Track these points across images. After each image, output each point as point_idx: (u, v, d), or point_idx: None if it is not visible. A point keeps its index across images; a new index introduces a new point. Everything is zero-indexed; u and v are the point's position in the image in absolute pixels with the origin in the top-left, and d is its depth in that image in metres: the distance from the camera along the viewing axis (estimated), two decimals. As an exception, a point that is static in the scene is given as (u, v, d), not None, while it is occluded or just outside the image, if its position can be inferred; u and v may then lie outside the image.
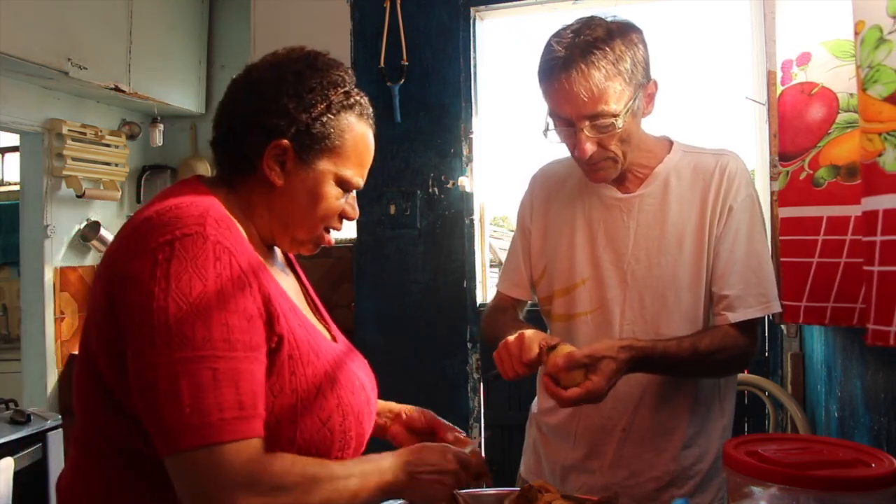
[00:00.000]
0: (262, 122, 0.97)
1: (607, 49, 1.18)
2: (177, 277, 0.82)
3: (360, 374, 1.07)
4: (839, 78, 1.09)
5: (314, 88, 0.98)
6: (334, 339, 1.10)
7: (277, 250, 1.12)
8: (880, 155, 0.81)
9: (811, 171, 1.13)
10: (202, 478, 0.80)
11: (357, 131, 1.01)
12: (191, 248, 0.84)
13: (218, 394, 0.80)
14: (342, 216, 1.04)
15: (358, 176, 1.03)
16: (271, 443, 0.88)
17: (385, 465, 0.96)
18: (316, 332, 1.02)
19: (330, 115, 0.98)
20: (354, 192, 1.06)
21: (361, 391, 1.04)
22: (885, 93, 0.81)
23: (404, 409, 1.22)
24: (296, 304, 1.01)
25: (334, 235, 1.09)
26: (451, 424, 1.20)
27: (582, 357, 1.12)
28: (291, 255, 1.19)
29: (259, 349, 0.87)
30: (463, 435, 1.17)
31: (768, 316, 1.26)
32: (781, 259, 1.17)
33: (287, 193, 0.99)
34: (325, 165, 0.99)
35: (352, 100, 1.01)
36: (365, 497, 0.92)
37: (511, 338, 1.19)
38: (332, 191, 1.00)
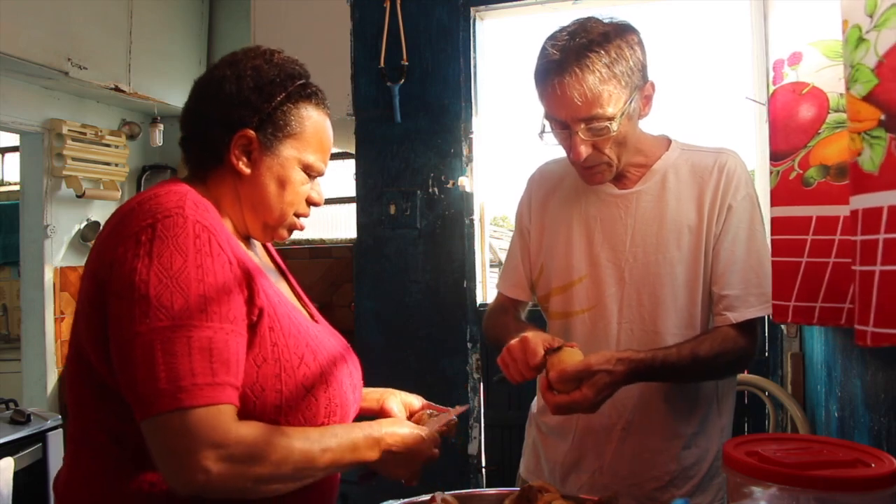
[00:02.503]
0: (226, 115, 1.02)
1: (602, 52, 1.17)
2: (158, 254, 0.87)
3: (341, 348, 1.11)
4: (829, 78, 1.09)
5: (273, 80, 1.03)
6: (315, 320, 1.13)
7: (259, 248, 1.16)
8: (860, 154, 0.81)
9: (801, 171, 1.13)
10: (173, 440, 0.83)
11: (316, 119, 1.07)
12: (171, 228, 0.89)
13: (192, 361, 0.84)
14: (308, 202, 1.09)
15: (321, 161, 1.08)
16: (258, 411, 0.92)
17: (359, 439, 0.99)
18: (296, 310, 1.06)
19: (290, 105, 1.04)
20: (319, 179, 1.10)
21: (344, 363, 1.08)
22: (863, 92, 0.81)
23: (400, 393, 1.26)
24: (274, 283, 1.04)
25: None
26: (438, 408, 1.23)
27: (573, 373, 1.11)
28: (277, 256, 1.22)
29: (237, 322, 0.90)
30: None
31: (768, 316, 1.26)
32: (772, 258, 1.17)
33: (255, 181, 1.03)
34: (288, 152, 1.04)
35: (309, 90, 1.07)
36: (335, 470, 0.96)
37: (514, 342, 1.18)
38: (297, 176, 1.05)
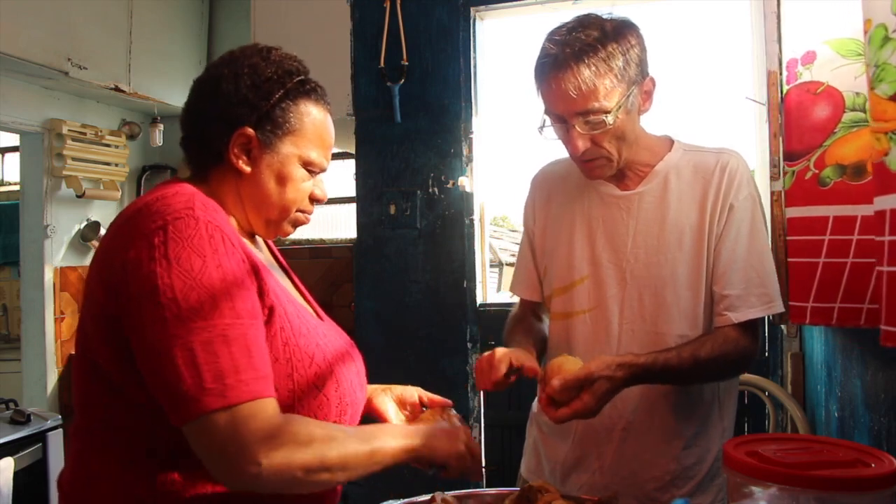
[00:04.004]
0: (225, 113, 1.01)
1: (599, 47, 1.18)
2: (176, 257, 0.86)
3: (347, 346, 1.11)
4: (844, 77, 1.09)
5: (271, 78, 1.03)
6: (320, 318, 1.14)
7: (263, 245, 1.17)
8: (886, 154, 0.80)
9: (817, 171, 1.13)
10: (224, 438, 0.83)
11: (316, 115, 1.06)
12: (184, 230, 0.88)
13: (233, 358, 0.85)
14: (311, 199, 1.09)
15: (322, 158, 1.07)
16: None
17: (398, 430, 1.02)
18: (303, 308, 1.06)
19: (288, 101, 1.03)
20: (322, 175, 1.10)
21: (351, 361, 1.09)
22: (890, 91, 0.80)
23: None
24: (280, 281, 1.05)
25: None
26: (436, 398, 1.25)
27: (575, 381, 1.12)
28: (278, 253, 1.22)
29: (259, 317, 0.92)
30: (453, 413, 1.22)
31: (768, 316, 1.26)
32: (788, 259, 1.17)
33: (256, 179, 1.03)
34: (288, 149, 1.03)
35: (308, 86, 1.06)
36: (380, 459, 0.96)
37: (486, 353, 1.22)
38: (298, 173, 1.05)
